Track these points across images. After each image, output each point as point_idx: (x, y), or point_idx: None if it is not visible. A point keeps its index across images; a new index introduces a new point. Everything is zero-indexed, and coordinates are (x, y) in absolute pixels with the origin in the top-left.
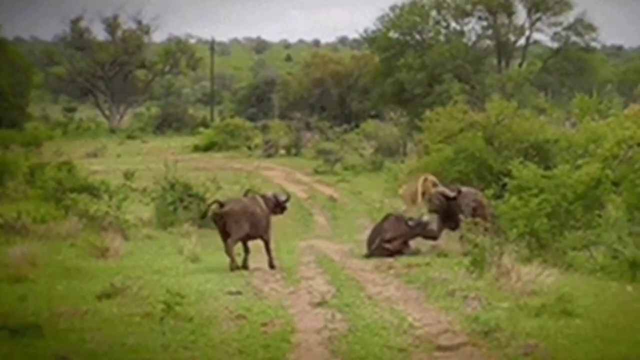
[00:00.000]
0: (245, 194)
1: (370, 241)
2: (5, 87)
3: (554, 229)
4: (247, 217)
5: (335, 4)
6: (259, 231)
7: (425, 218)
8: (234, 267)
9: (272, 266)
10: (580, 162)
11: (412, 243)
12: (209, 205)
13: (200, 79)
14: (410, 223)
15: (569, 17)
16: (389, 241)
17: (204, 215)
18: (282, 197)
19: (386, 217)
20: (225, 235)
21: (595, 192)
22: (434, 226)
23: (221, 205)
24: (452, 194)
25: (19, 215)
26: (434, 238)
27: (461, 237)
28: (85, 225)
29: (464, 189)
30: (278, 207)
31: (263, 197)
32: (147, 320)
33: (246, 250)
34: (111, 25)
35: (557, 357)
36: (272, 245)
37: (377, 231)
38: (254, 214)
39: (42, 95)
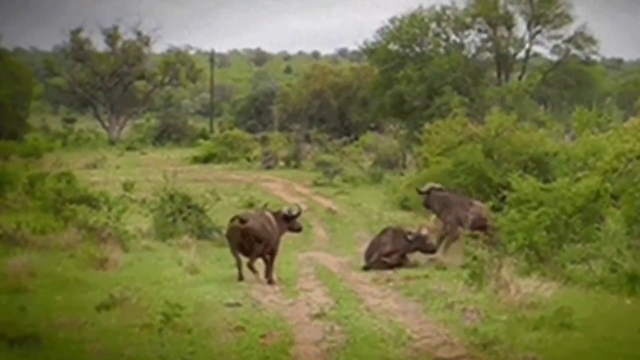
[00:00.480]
0: (265, 206)
1: (368, 254)
2: (5, 98)
3: (553, 242)
4: (266, 235)
5: (335, 16)
6: (270, 248)
7: (424, 232)
8: (239, 278)
9: (270, 281)
10: (579, 175)
11: (410, 256)
12: (231, 221)
13: (199, 90)
14: (409, 237)
15: (569, 30)
16: (388, 255)
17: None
18: (293, 212)
19: (384, 231)
20: (241, 249)
21: (594, 205)
22: (432, 240)
23: (242, 221)
24: (423, 190)
25: (18, 226)
26: (433, 252)
27: (445, 248)
28: (85, 236)
29: (476, 202)
30: (292, 221)
31: (275, 213)
32: (146, 331)
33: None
34: (111, 37)
35: None
36: (275, 262)
37: (375, 244)
38: (269, 232)
39: (42, 106)
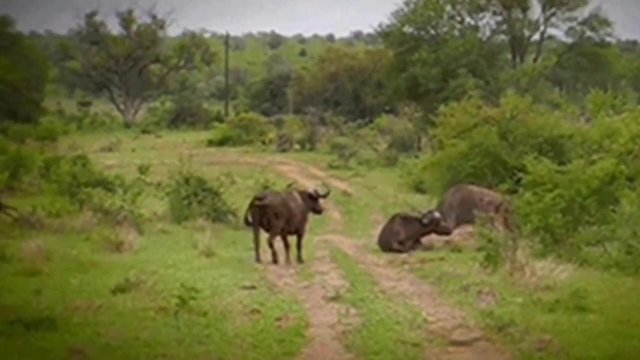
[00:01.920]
0: (289, 186)
1: (382, 242)
2: (20, 82)
3: (568, 224)
4: (285, 211)
5: None
6: (294, 226)
7: (437, 214)
8: (276, 260)
9: (300, 260)
10: (594, 157)
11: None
12: (251, 203)
13: (214, 73)
14: (425, 220)
15: (583, 12)
16: (402, 243)
17: (247, 221)
18: (320, 192)
19: (393, 218)
20: (263, 226)
21: (609, 188)
22: (446, 222)
23: (260, 198)
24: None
25: (34, 210)
26: (447, 234)
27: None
28: (100, 220)
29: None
30: (315, 201)
31: (302, 192)
32: (162, 314)
33: (286, 245)
34: (126, 20)
35: (571, 352)
36: (303, 241)
37: (387, 232)
38: (290, 209)
39: (57, 90)
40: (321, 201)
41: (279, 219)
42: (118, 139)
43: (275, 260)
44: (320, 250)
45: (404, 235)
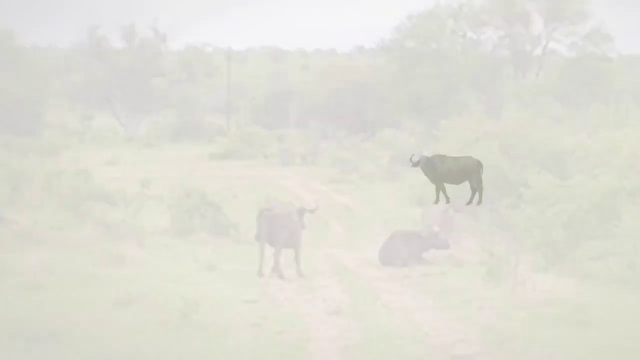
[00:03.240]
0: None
1: (385, 258)
2: (22, 95)
3: (570, 239)
4: (290, 223)
5: (352, 13)
6: (293, 239)
7: (436, 228)
8: (280, 275)
9: (300, 274)
10: (596, 172)
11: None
12: (260, 215)
13: (216, 87)
14: (424, 234)
15: (585, 27)
16: (405, 260)
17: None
18: (307, 207)
19: (393, 236)
20: (269, 237)
21: (611, 202)
22: (444, 236)
23: (269, 209)
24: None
25: (35, 223)
26: (446, 247)
27: None
28: (102, 233)
29: None
30: (301, 216)
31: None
32: (163, 328)
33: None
34: (128, 34)
35: None
36: (301, 254)
37: (388, 250)
38: (294, 222)
39: (59, 103)
40: (306, 217)
41: (284, 230)
42: (120, 152)
43: (280, 275)
44: (321, 264)
45: (406, 253)
